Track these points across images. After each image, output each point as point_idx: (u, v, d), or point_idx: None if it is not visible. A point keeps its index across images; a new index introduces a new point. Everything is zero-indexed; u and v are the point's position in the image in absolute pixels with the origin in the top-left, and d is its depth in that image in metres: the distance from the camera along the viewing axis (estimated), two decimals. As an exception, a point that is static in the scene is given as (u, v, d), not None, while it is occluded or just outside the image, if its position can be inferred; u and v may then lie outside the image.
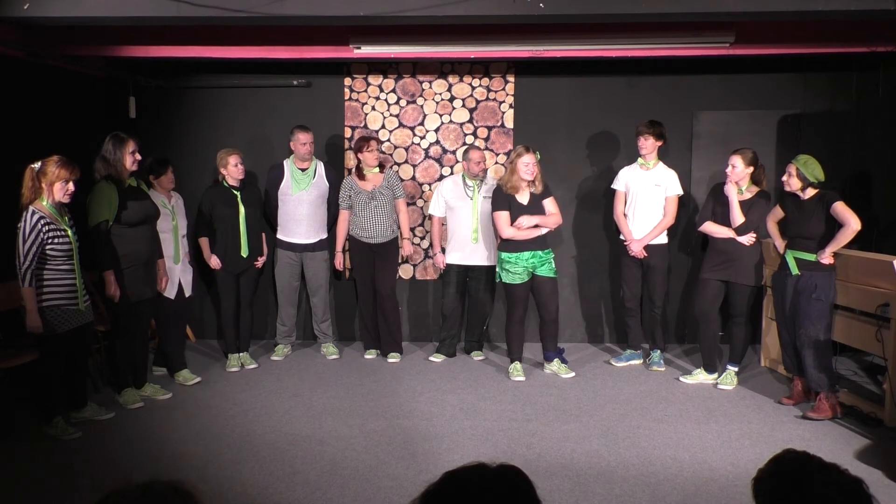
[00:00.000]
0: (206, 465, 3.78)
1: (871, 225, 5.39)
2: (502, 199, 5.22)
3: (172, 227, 5.12)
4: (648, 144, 5.37)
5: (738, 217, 4.90)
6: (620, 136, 6.17)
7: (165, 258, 5.00)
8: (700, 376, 5.21)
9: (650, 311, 5.60)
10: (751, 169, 4.92)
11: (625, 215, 5.53)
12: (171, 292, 5.12)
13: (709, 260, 5.10)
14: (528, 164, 5.12)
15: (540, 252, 5.22)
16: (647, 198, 5.42)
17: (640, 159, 5.48)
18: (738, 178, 4.94)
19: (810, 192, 4.54)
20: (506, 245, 5.21)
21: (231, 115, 6.24)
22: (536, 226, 5.19)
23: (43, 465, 3.77)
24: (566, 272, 6.19)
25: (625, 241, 5.52)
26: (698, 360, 5.42)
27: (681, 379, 5.24)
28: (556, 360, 5.42)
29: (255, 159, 6.05)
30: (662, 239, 5.48)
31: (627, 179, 5.53)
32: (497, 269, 5.31)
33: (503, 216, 5.18)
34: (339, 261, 5.86)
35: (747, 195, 4.95)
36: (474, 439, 4.14)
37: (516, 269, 5.17)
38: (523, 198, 5.21)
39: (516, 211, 5.17)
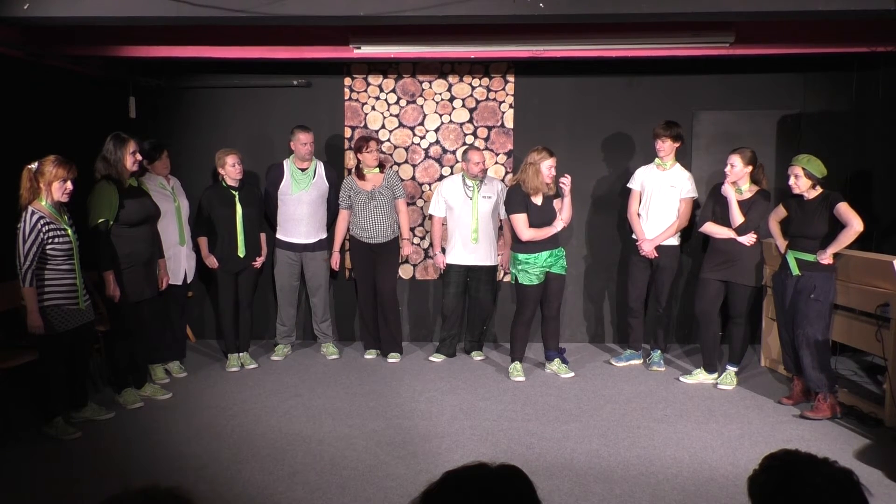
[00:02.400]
0: (206, 465, 3.78)
1: (871, 225, 5.39)
2: (520, 200, 5.14)
3: (175, 208, 5.14)
4: (666, 147, 5.36)
5: (737, 217, 4.90)
6: (621, 137, 6.17)
7: (170, 243, 5.05)
8: (700, 376, 5.21)
9: (655, 310, 5.60)
10: (750, 168, 4.92)
11: (638, 215, 5.54)
12: (177, 278, 5.15)
13: (709, 260, 5.10)
14: (551, 167, 5.10)
15: (554, 250, 5.22)
16: (661, 198, 5.41)
17: (656, 160, 5.47)
18: (737, 178, 4.94)
19: (814, 193, 4.54)
20: (522, 246, 5.17)
21: (231, 115, 6.24)
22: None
23: (43, 465, 3.77)
24: (572, 271, 6.17)
25: (637, 240, 5.52)
26: (698, 360, 5.42)
27: (681, 379, 5.24)
28: (556, 359, 5.42)
29: (255, 159, 6.05)
30: (674, 240, 5.48)
31: (643, 179, 5.52)
32: (511, 270, 5.28)
33: (521, 218, 5.11)
34: (336, 261, 5.84)
35: (747, 195, 4.95)
36: (474, 439, 4.14)
37: (534, 270, 5.15)
38: (538, 200, 5.18)
39: (534, 213, 5.14)
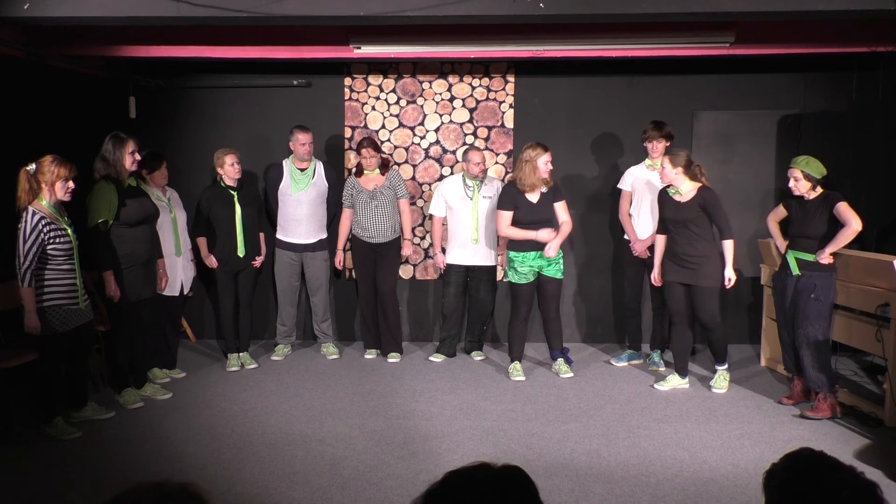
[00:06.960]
0: (206, 465, 3.78)
1: (871, 225, 5.39)
2: (509, 198, 5.17)
3: (171, 219, 5.14)
4: (660, 148, 5.34)
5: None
6: (621, 137, 6.17)
7: (166, 253, 5.02)
8: (674, 381, 5.08)
9: (652, 310, 5.59)
10: (679, 170, 4.84)
11: (630, 215, 5.53)
12: (173, 289, 5.14)
13: (668, 263, 4.99)
14: (547, 163, 5.11)
15: None
16: (653, 198, 5.40)
17: (647, 160, 5.47)
18: (670, 181, 4.90)
19: (815, 193, 4.53)
20: (514, 244, 5.19)
21: (231, 115, 6.24)
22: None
23: (43, 465, 3.77)
24: (568, 272, 6.17)
25: (629, 240, 5.51)
26: (698, 359, 5.41)
27: (655, 386, 5.07)
28: (559, 359, 5.42)
29: (254, 159, 6.05)
30: None
31: (634, 179, 5.52)
32: (505, 268, 5.29)
33: (505, 216, 5.15)
34: (339, 259, 5.86)
35: (687, 195, 4.86)
36: (474, 439, 4.14)
37: (523, 269, 5.16)
38: (533, 197, 5.17)
39: (526, 210, 5.14)
